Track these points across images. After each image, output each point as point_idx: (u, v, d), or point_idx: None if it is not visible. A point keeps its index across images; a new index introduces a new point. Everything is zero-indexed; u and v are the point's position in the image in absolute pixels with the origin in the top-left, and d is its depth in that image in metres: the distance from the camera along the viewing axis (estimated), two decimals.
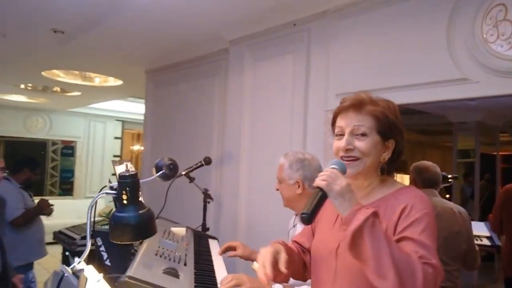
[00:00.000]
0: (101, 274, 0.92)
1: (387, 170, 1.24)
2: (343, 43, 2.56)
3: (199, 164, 2.94)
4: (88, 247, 0.94)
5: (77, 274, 0.90)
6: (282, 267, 1.14)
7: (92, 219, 0.98)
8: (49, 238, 3.97)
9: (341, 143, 1.19)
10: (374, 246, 0.98)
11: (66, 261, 3.95)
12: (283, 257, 1.18)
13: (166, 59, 4.15)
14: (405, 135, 1.26)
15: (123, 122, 9.42)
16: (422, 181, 2.57)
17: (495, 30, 1.89)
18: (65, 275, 0.87)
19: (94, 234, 1.89)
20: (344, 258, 1.15)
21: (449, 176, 3.26)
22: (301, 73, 2.76)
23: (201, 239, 2.33)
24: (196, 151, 3.52)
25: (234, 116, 3.29)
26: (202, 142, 3.65)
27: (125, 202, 0.97)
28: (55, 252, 4.60)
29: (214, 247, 2.26)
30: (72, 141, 9.04)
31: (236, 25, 3.17)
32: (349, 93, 2.59)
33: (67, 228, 3.89)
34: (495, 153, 7.78)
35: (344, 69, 2.52)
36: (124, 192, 0.97)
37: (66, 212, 6.84)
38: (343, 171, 1.13)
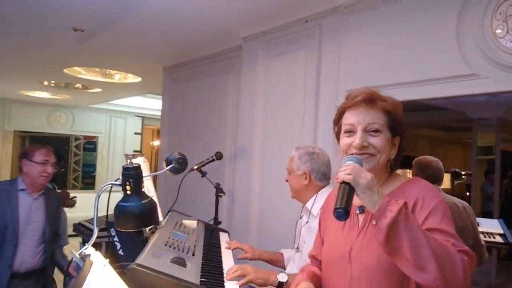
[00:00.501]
0: (107, 260, 0.99)
1: (394, 166, 1.24)
2: (354, 39, 2.57)
3: (210, 159, 3.00)
4: (95, 233, 1.01)
5: (84, 258, 0.96)
6: None
7: (97, 208, 1.04)
8: (69, 230, 4.12)
9: (355, 140, 1.15)
10: (411, 238, 0.94)
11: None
12: None
13: (183, 56, 4.23)
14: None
15: (143, 118, 9.60)
16: (425, 177, 2.53)
17: (505, 25, 1.87)
18: (73, 259, 0.93)
19: (109, 225, 1.96)
20: (359, 261, 1.14)
21: (463, 172, 3.22)
22: (312, 69, 2.79)
23: (212, 232, 2.38)
24: (211, 146, 3.59)
25: (247, 112, 3.34)
26: (216, 137, 3.72)
27: (128, 192, 1.03)
28: (75, 243, 4.77)
29: (225, 240, 2.31)
30: (94, 137, 9.27)
31: (249, 22, 3.21)
32: None
33: (86, 220, 4.02)
34: None
35: (355, 65, 2.53)
36: (127, 183, 1.03)
37: (88, 205, 6.98)
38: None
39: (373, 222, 0.98)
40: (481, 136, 6.64)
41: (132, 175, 1.03)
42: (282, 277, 1.72)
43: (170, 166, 1.65)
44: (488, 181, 7.30)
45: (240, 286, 1.62)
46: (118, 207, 1.03)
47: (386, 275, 1.08)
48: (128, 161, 1.80)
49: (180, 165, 1.66)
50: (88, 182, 9.25)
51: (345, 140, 1.19)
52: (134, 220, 1.03)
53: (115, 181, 1.07)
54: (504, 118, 6.20)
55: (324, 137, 2.69)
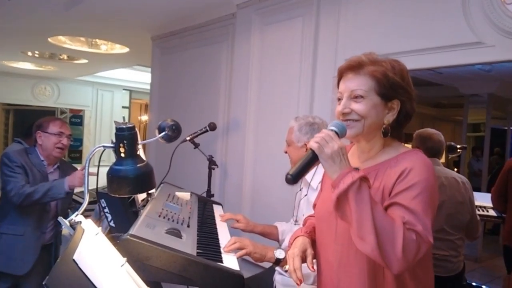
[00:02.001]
0: (100, 228, 0.91)
1: (393, 133, 1.20)
2: (354, 6, 2.46)
3: (203, 129, 2.92)
4: (86, 199, 0.93)
5: (74, 226, 0.89)
6: (311, 268, 1.22)
7: (89, 171, 0.96)
8: None
9: (338, 107, 1.18)
10: (357, 210, 1.00)
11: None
12: (309, 253, 1.25)
13: (173, 25, 4.06)
14: (414, 98, 1.20)
15: (131, 91, 9.41)
16: (425, 149, 2.51)
17: None
18: (62, 227, 0.86)
19: (99, 195, 1.88)
20: None
21: (458, 146, 3.21)
22: (309, 38, 2.68)
23: (205, 204, 2.32)
24: (202, 119, 3.49)
25: (240, 83, 3.24)
26: (208, 109, 3.62)
27: (122, 155, 0.95)
28: None
29: (219, 213, 2.26)
30: (80, 110, 9.07)
31: None
32: None
33: (75, 194, 3.93)
34: (505, 128, 7.65)
35: (354, 33, 2.44)
36: (121, 145, 0.95)
37: None
38: (341, 133, 1.12)
39: (332, 189, 1.05)
40: (472, 113, 6.66)
41: (126, 136, 0.94)
42: (279, 254, 1.69)
43: (163, 133, 1.57)
44: (474, 157, 7.39)
45: (237, 258, 1.57)
46: (111, 171, 0.95)
47: None
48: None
49: (173, 132, 1.58)
50: (75, 156, 9.11)
51: (336, 107, 1.21)
52: (130, 184, 0.95)
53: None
54: (496, 95, 6.20)
55: (321, 109, 2.61)
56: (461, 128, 7.01)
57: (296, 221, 1.94)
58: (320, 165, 1.86)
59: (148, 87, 4.71)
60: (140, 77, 8.37)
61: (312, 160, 1.07)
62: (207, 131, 2.92)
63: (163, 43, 4.39)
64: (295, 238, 1.36)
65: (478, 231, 2.54)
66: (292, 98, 2.80)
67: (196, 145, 2.86)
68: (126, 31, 4.52)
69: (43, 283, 0.65)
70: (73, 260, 0.72)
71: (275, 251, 1.69)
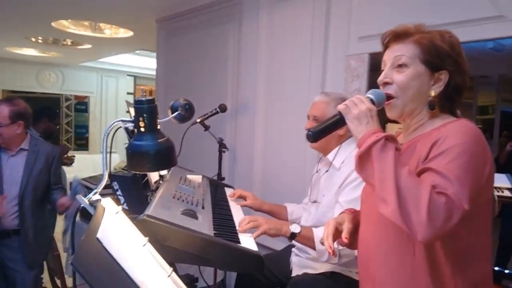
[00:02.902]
0: (120, 206, 0.88)
1: (441, 106, 1.11)
2: None
3: (214, 111, 2.87)
4: (105, 177, 0.89)
5: (93, 204, 0.85)
6: (344, 237, 1.18)
7: (108, 150, 0.92)
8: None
9: (380, 77, 1.12)
10: (380, 169, 0.94)
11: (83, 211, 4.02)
12: (346, 226, 1.21)
13: (178, 5, 3.97)
14: (467, 72, 1.10)
15: (135, 77, 9.35)
16: None
17: None
18: (81, 205, 0.82)
19: (111, 178, 1.86)
20: None
21: None
22: (321, 15, 2.60)
23: (217, 187, 2.30)
24: (210, 101, 3.43)
25: (249, 64, 3.17)
26: (216, 92, 3.56)
27: (142, 130, 0.91)
28: None
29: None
30: (85, 97, 9.03)
31: None
32: (373, 36, 2.44)
33: (83, 179, 3.93)
34: None
35: (368, 8, 2.36)
36: (141, 118, 0.90)
37: (82, 166, 6.96)
38: (378, 100, 1.06)
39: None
40: (481, 95, 6.54)
41: (145, 110, 0.90)
42: (295, 228, 1.66)
43: (176, 113, 1.52)
44: None
45: (254, 238, 1.54)
46: (131, 147, 0.91)
47: None
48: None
49: (187, 111, 1.53)
50: (81, 143, 9.12)
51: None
52: (150, 161, 0.90)
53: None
54: (507, 76, 6.07)
55: (334, 89, 2.54)
56: (470, 111, 6.90)
57: (314, 201, 1.90)
58: (342, 144, 1.84)
59: (153, 72, 4.64)
60: (145, 63, 8.29)
61: (337, 121, 1.04)
62: (217, 112, 2.88)
63: (168, 25, 4.31)
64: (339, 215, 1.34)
65: (496, 211, 2.52)
66: (303, 78, 2.74)
67: (207, 128, 2.82)
68: (130, 13, 4.43)
69: (69, 262, 0.62)
70: (97, 238, 0.69)
71: (290, 226, 1.66)
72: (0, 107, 2.48)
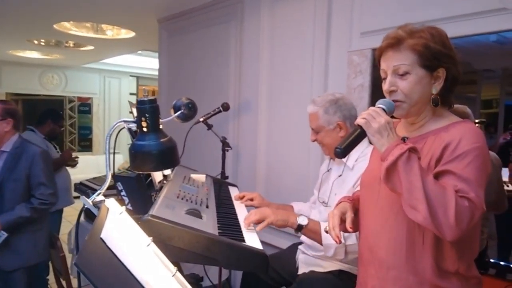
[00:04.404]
0: (124, 207, 0.87)
1: (443, 100, 1.20)
2: None
3: (217, 110, 2.86)
4: (109, 177, 0.89)
5: (97, 205, 0.85)
6: (349, 227, 1.26)
7: (111, 151, 0.92)
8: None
9: (385, 86, 1.20)
10: (407, 179, 1.01)
11: (88, 212, 4.02)
12: (349, 216, 1.28)
13: (179, 5, 3.97)
14: (459, 61, 1.19)
15: (138, 78, 9.37)
16: None
17: None
18: (85, 206, 0.82)
19: (115, 179, 1.86)
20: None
21: (476, 121, 3.13)
22: (322, 11, 2.59)
23: (221, 185, 2.30)
24: (213, 100, 3.43)
25: (251, 61, 3.16)
26: (218, 91, 3.56)
27: (145, 129, 0.91)
28: (78, 205, 4.70)
29: (235, 194, 2.23)
30: (88, 98, 9.06)
31: None
32: (376, 32, 2.42)
33: (88, 180, 3.93)
34: None
35: (370, 4, 2.34)
36: (143, 119, 0.91)
37: (86, 167, 6.99)
38: (389, 110, 1.13)
39: (381, 163, 1.08)
40: (485, 89, 6.51)
41: (147, 110, 0.90)
42: (302, 220, 1.65)
43: (179, 112, 1.52)
44: (488, 134, 7.28)
45: (261, 230, 1.54)
46: (134, 147, 0.90)
47: None
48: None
49: (189, 110, 1.53)
50: (85, 145, 9.16)
51: (382, 86, 1.22)
52: (154, 160, 0.90)
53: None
54: (511, 69, 6.03)
55: (336, 85, 2.54)
56: (474, 105, 6.87)
57: (325, 202, 1.88)
58: None
59: (155, 73, 4.64)
60: (147, 63, 8.31)
61: (359, 135, 1.10)
62: (220, 111, 2.87)
63: (170, 25, 4.31)
64: (339, 203, 1.39)
65: (505, 205, 2.53)
66: (305, 75, 2.73)
67: (210, 127, 2.82)
68: (132, 14, 4.43)
69: (73, 262, 0.62)
70: (101, 238, 0.68)
71: (298, 217, 1.65)
72: None
